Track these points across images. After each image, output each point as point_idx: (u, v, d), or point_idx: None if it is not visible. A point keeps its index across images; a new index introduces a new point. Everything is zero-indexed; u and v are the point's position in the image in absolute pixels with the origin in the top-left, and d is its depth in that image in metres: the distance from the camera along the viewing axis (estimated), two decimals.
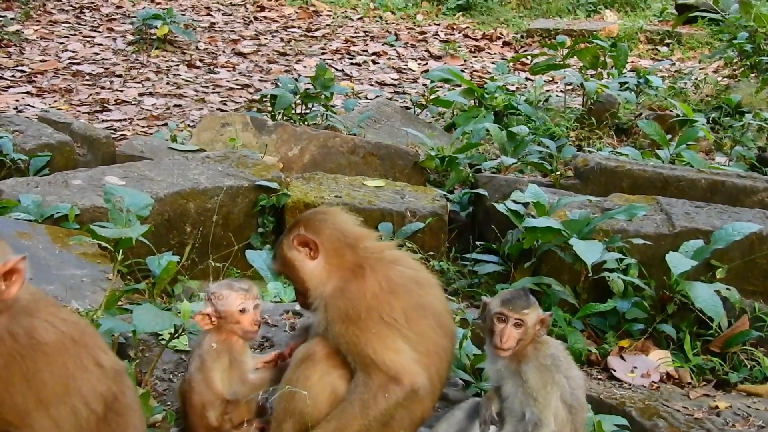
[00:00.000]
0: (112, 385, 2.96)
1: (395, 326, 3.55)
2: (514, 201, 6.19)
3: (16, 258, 2.86)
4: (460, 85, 10.49)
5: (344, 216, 3.84)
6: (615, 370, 5.37)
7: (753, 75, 11.36)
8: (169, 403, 4.01)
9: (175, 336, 4.09)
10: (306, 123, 9.40)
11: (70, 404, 2.83)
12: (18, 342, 2.77)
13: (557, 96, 11.42)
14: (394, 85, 12.96)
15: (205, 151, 7.74)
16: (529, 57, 12.38)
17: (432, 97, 10.69)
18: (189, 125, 10.39)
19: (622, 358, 5.47)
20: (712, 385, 5.39)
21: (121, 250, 4.65)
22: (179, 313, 3.94)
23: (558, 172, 7.72)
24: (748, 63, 11.43)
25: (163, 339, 4.45)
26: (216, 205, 6.45)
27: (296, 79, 10.19)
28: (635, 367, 5.41)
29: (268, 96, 9.87)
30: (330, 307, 3.57)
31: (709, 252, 5.69)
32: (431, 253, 6.52)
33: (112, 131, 9.82)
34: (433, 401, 3.75)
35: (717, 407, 4.84)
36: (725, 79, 11.90)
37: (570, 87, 11.55)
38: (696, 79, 11.76)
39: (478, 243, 6.80)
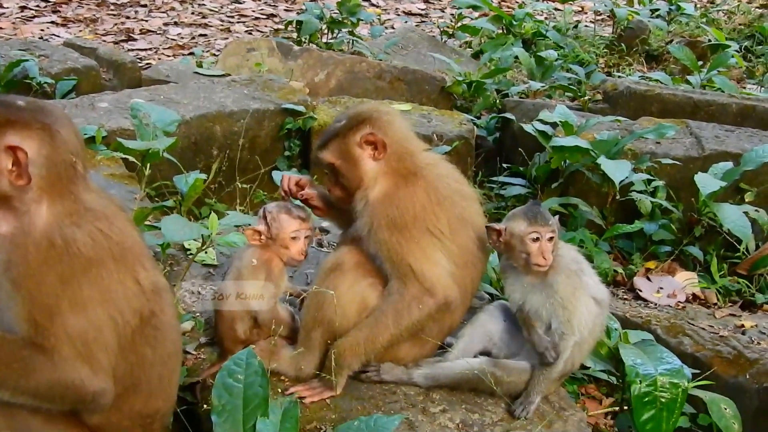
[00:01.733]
0: (150, 302, 2.99)
1: (439, 237, 3.55)
2: (541, 121, 6.14)
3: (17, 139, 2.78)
4: (487, 13, 10.37)
5: (404, 121, 3.80)
6: (641, 291, 5.36)
7: None
8: (197, 314, 4.04)
9: (203, 249, 4.11)
10: (332, 49, 9.34)
11: (104, 312, 2.86)
12: (55, 249, 2.78)
13: (586, 26, 11.27)
14: (420, 15, 12.83)
15: (231, 75, 7.71)
16: None
17: (459, 24, 10.56)
18: (214, 54, 10.35)
19: (648, 279, 5.46)
20: (738, 305, 5.37)
21: (148, 166, 4.66)
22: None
23: (587, 97, 7.65)
24: None
25: (191, 253, 4.48)
26: (242, 128, 6.44)
27: (323, 5, 10.09)
28: (661, 288, 5.39)
29: (294, 22, 9.79)
30: (377, 212, 3.55)
31: (739, 174, 5.64)
32: None
33: (138, 60, 9.79)
34: (462, 313, 3.77)
35: (742, 326, 4.82)
36: (759, 8, 11.68)
37: (599, 16, 11.38)
38: (729, 7, 11.55)
39: (505, 166, 6.77)
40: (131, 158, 4.85)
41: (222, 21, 12.08)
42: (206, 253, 4.46)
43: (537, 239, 3.53)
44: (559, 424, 3.52)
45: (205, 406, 3.55)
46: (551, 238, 3.55)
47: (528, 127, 6.10)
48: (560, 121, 6.00)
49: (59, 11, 11.99)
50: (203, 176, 4.83)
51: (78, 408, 2.91)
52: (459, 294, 3.59)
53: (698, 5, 12.32)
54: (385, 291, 3.55)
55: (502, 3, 13.19)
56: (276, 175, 5.52)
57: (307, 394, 3.55)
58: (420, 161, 3.67)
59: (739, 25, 10.87)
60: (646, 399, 3.47)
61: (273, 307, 3.70)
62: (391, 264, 3.52)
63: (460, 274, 3.60)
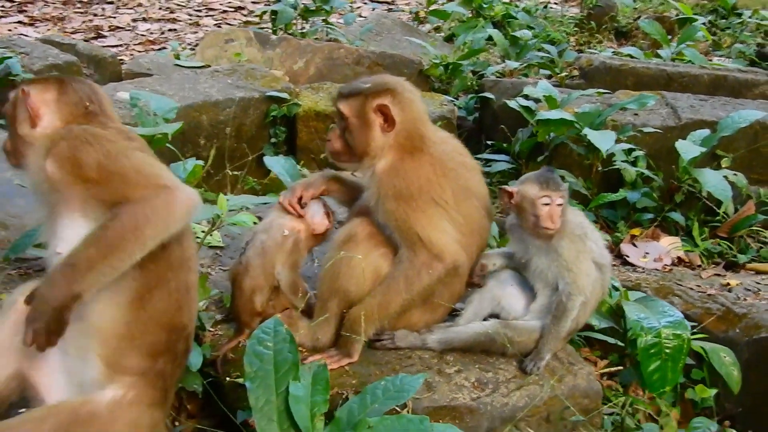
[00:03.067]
0: None
1: (445, 207, 3.68)
2: (525, 97, 6.30)
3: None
4: None
5: (422, 102, 3.89)
6: (628, 256, 5.54)
7: None
8: (217, 292, 4.15)
9: (213, 229, 4.21)
10: (307, 38, 9.43)
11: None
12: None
13: (552, 7, 11.45)
14: (387, 2, 12.94)
15: (211, 66, 7.78)
16: None
17: (431, 8, 10.70)
18: (186, 47, 10.40)
19: (634, 245, 5.64)
20: (722, 266, 5.57)
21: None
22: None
23: (563, 73, 7.83)
24: None
25: (197, 237, 4.57)
26: (229, 117, 6.53)
27: None
28: (647, 253, 5.58)
29: (269, 12, 9.88)
30: (384, 183, 3.67)
31: (717, 139, 5.83)
32: None
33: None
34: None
35: (728, 285, 5.00)
36: None
37: None
38: None
39: (488, 143, 6.92)
40: None
41: (190, 15, 12.12)
42: (211, 235, 4.56)
43: (547, 204, 3.68)
44: (570, 378, 3.70)
45: (227, 379, 3.67)
46: (561, 204, 3.70)
47: (512, 104, 6.26)
48: (544, 96, 6.16)
49: (25, 11, 11.96)
50: (201, 162, 4.92)
51: None
52: (466, 260, 3.73)
53: None
54: (396, 259, 3.68)
55: None
56: (268, 161, 5.61)
57: (326, 362, 3.68)
58: (428, 141, 3.78)
59: (702, 0, 11.11)
60: (652, 351, 3.63)
61: (297, 276, 3.83)
62: (399, 233, 3.65)
63: (465, 241, 3.74)
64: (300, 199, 3.94)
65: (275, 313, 3.83)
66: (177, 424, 3.73)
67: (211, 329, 3.94)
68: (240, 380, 3.61)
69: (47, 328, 2.94)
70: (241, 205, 4.36)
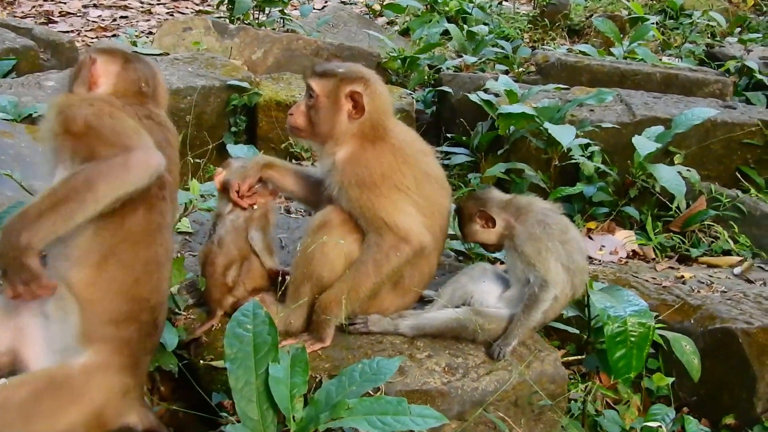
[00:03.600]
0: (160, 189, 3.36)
1: (407, 192, 3.76)
2: (486, 91, 6.40)
3: None
4: None
5: (390, 97, 3.97)
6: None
7: None
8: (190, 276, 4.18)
9: (187, 214, 4.24)
10: (265, 28, 9.44)
11: None
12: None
13: (505, 4, 11.59)
14: None
15: (170, 54, 7.76)
16: None
17: (386, 2, 10.76)
18: (140, 35, 10.33)
19: (591, 238, 5.75)
20: (675, 260, 5.71)
21: None
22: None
23: (520, 69, 7.95)
24: None
25: None
26: (190, 105, 6.53)
27: None
28: (603, 246, 5.69)
29: (226, 2, 9.86)
30: (346, 171, 3.73)
31: (671, 136, 5.98)
32: None
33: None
34: (437, 257, 4.01)
35: (682, 277, 5.13)
36: None
37: None
38: None
39: (448, 136, 7.01)
40: None
41: (142, 3, 12.05)
42: (181, 221, 4.59)
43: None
44: (537, 363, 3.79)
45: (201, 361, 3.71)
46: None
47: (473, 97, 6.35)
48: (505, 91, 6.25)
49: None
50: None
51: None
52: (431, 240, 3.82)
53: None
54: (364, 243, 3.74)
55: None
56: (231, 148, 5.64)
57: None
58: (390, 131, 3.85)
59: (650, 0, 11.33)
60: (618, 338, 3.73)
61: (270, 239, 3.96)
62: (365, 219, 3.72)
63: (429, 222, 3.82)
64: (238, 191, 3.97)
65: (247, 294, 3.90)
66: (151, 405, 3.76)
67: (184, 313, 3.97)
68: (214, 363, 3.67)
69: (20, 279, 3.02)
70: (210, 191, 4.38)
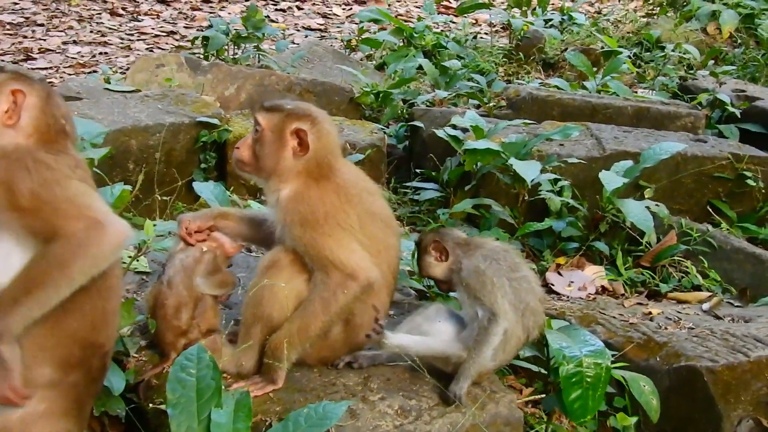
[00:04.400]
0: None
1: (351, 231, 3.72)
2: (453, 126, 6.39)
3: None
4: (387, 27, 10.64)
5: (337, 137, 3.94)
6: (553, 285, 5.62)
7: (671, 11, 11.75)
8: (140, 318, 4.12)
9: (140, 255, 4.20)
10: (239, 64, 9.45)
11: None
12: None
13: (482, 37, 11.63)
14: (320, 29, 13.03)
15: (142, 91, 7.75)
16: None
17: (362, 37, 10.79)
18: (117, 71, 10.33)
19: (560, 274, 5.73)
20: (644, 295, 5.69)
21: None
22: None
23: (491, 103, 7.95)
24: (666, 0, 11.79)
25: (124, 262, 4.54)
26: (158, 142, 6.51)
27: (227, 23, 10.19)
28: (572, 282, 5.67)
29: (200, 38, 9.87)
30: (289, 210, 3.70)
31: (639, 170, 5.98)
32: None
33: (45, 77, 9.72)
34: (389, 295, 3.96)
35: (650, 313, 5.09)
36: (644, 17, 12.24)
37: (494, 27, 11.77)
38: (616, 17, 12.08)
39: (417, 171, 6.99)
40: None
41: (122, 39, 12.05)
42: (138, 260, 4.54)
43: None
44: (492, 405, 3.73)
45: (150, 405, 3.66)
46: None
47: (440, 133, 6.35)
48: (471, 126, 6.25)
49: None
50: (128, 187, 4.89)
51: None
52: (380, 275, 3.77)
53: (587, 15, 12.82)
54: (311, 283, 3.70)
55: (399, 16, 13.48)
56: (198, 186, 5.59)
57: (250, 389, 3.68)
58: (335, 171, 3.82)
59: (627, 33, 11.38)
60: (574, 379, 3.70)
61: (222, 272, 3.93)
62: (309, 258, 3.69)
63: (375, 261, 3.78)
64: (187, 231, 3.92)
65: (200, 336, 3.84)
66: None
67: (135, 355, 3.91)
68: (163, 407, 3.59)
69: None
70: (168, 230, 4.34)
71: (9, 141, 3.17)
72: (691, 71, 9.85)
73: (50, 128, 3.25)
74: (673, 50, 9.97)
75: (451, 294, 4.22)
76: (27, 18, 12.43)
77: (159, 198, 6.03)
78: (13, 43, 11.47)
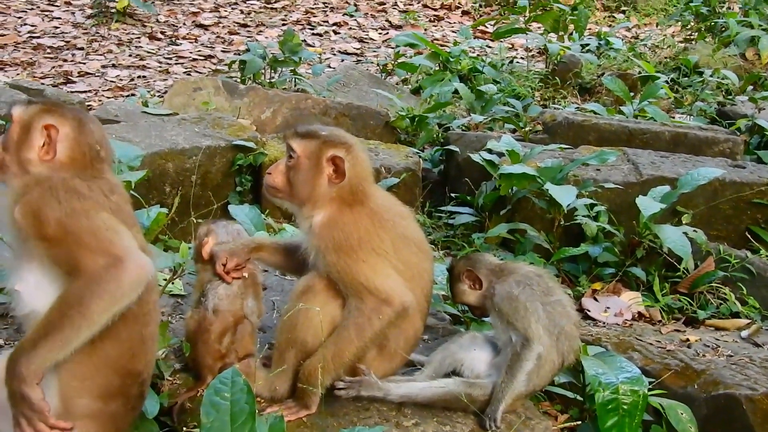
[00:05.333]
0: None
1: (385, 256, 3.71)
2: (489, 151, 6.38)
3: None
4: (423, 51, 10.67)
5: (370, 162, 3.93)
6: (589, 311, 5.57)
7: (709, 37, 11.68)
8: (177, 340, 4.13)
9: (175, 277, 4.22)
10: (276, 87, 9.50)
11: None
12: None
13: (518, 62, 11.62)
14: (356, 54, 13.08)
15: (179, 114, 7.81)
16: (491, 22, 12.57)
17: (398, 61, 10.82)
18: (156, 94, 10.44)
19: (596, 300, 5.68)
20: (682, 322, 5.62)
21: None
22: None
23: (527, 128, 7.93)
24: (704, 25, 11.73)
25: (159, 285, 4.56)
26: (195, 165, 6.55)
27: (264, 47, 10.27)
28: (608, 308, 5.61)
29: (237, 62, 9.95)
30: (323, 236, 3.69)
31: (676, 196, 5.92)
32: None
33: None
34: (422, 319, 3.93)
35: (688, 340, 5.03)
36: (682, 42, 12.18)
37: (531, 52, 11.76)
38: (654, 42, 12.03)
39: (452, 195, 6.98)
40: None
41: (160, 62, 12.17)
42: (173, 283, 4.56)
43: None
44: None
45: (184, 428, 3.66)
46: None
47: (476, 157, 6.34)
48: (507, 151, 6.23)
49: None
50: (164, 210, 4.93)
51: None
52: (414, 300, 3.74)
53: (624, 40, 12.78)
54: (345, 309, 3.69)
55: (435, 41, 13.52)
56: (233, 210, 5.63)
57: (284, 414, 3.66)
58: (369, 196, 3.82)
59: (665, 58, 11.33)
60: (610, 406, 3.66)
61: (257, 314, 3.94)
62: (344, 284, 3.67)
63: (409, 286, 3.76)
64: (225, 269, 3.92)
65: (236, 360, 3.86)
66: None
67: (169, 378, 3.92)
68: (196, 430, 3.60)
69: (22, 413, 2.98)
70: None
71: (44, 170, 3.23)
72: (730, 97, 9.78)
73: (85, 155, 3.30)
74: (711, 75, 9.91)
75: (485, 319, 4.21)
76: (67, 42, 12.60)
77: (195, 221, 6.04)
78: (54, 67, 11.62)
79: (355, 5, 15.26)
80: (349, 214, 3.73)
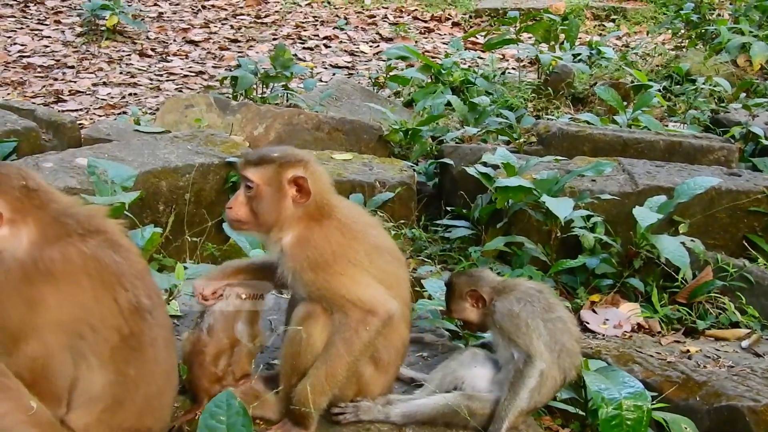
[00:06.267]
0: (128, 322, 3.15)
1: (362, 266, 3.66)
2: (484, 164, 6.35)
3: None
4: (414, 64, 10.65)
5: (327, 174, 3.88)
6: (588, 323, 5.55)
7: (700, 44, 11.69)
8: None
9: (170, 299, 4.18)
10: (268, 103, 9.47)
11: (73, 331, 3.06)
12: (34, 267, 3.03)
13: (510, 72, 11.61)
14: (347, 67, 13.05)
15: (171, 132, 7.78)
16: (482, 34, 12.57)
17: (390, 74, 10.80)
18: (147, 112, 10.40)
19: (594, 312, 5.66)
20: (681, 332, 5.59)
21: None
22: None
23: (521, 139, 7.91)
24: (695, 33, 11.74)
25: None
26: (188, 183, 6.51)
27: (255, 62, 10.24)
28: (607, 319, 5.59)
29: (229, 78, 9.93)
30: (296, 256, 3.64)
31: (673, 206, 5.91)
32: (402, 221, 6.67)
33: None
34: (407, 327, 3.89)
35: (688, 351, 5.02)
36: (673, 50, 12.19)
37: (522, 62, 11.75)
38: (645, 50, 12.03)
39: (448, 209, 6.95)
40: None
41: (151, 80, 12.14)
42: (169, 304, 4.51)
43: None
44: None
45: None
46: None
47: (471, 170, 6.31)
48: (502, 163, 6.21)
49: None
50: (159, 230, 4.89)
51: None
52: (398, 306, 3.70)
53: (615, 49, 12.77)
54: (331, 326, 3.63)
55: (426, 53, 13.50)
56: (227, 227, 5.57)
57: None
58: (335, 208, 3.77)
59: (656, 66, 11.32)
60: (614, 422, 3.63)
61: (258, 328, 3.90)
62: (326, 301, 3.62)
63: (392, 293, 3.71)
64: (203, 297, 3.89)
65: (233, 383, 3.82)
66: None
67: None
68: None
69: None
70: (199, 273, 4.31)
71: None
72: (723, 104, 9.77)
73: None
74: (703, 83, 9.90)
75: (482, 335, 4.17)
76: (57, 60, 12.55)
77: (189, 239, 6.01)
78: (44, 86, 11.58)
79: (345, 18, 15.25)
80: (319, 229, 3.68)
